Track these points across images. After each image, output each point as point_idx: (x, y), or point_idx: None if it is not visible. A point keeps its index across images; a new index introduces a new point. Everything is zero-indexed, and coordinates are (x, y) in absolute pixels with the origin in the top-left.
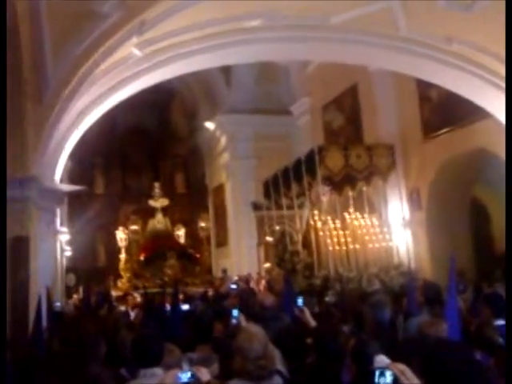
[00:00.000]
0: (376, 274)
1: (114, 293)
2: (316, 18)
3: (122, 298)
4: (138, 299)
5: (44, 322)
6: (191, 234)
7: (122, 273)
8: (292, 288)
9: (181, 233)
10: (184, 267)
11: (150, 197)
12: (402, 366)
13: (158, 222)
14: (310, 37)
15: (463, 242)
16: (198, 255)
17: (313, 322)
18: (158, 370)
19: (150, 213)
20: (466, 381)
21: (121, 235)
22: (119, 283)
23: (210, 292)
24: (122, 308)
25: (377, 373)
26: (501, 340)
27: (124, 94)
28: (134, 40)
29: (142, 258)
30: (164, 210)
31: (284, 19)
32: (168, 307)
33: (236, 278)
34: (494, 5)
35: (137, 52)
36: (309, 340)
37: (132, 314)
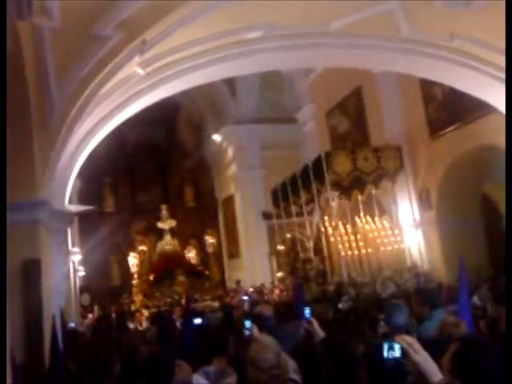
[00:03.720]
0: (390, 278)
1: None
2: (315, 25)
3: (132, 315)
4: (146, 314)
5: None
6: (201, 248)
7: (135, 297)
8: (302, 297)
9: (191, 254)
10: (193, 284)
11: (158, 218)
12: (409, 339)
13: (167, 243)
14: (311, 44)
15: (476, 239)
16: (206, 271)
17: (321, 334)
18: None
19: (159, 233)
20: (498, 377)
21: (133, 261)
22: (133, 307)
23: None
24: (131, 325)
25: (385, 346)
26: None
27: (129, 113)
28: (137, 59)
29: (151, 278)
30: (172, 228)
31: (284, 29)
32: (177, 320)
33: (251, 289)
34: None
35: (140, 71)
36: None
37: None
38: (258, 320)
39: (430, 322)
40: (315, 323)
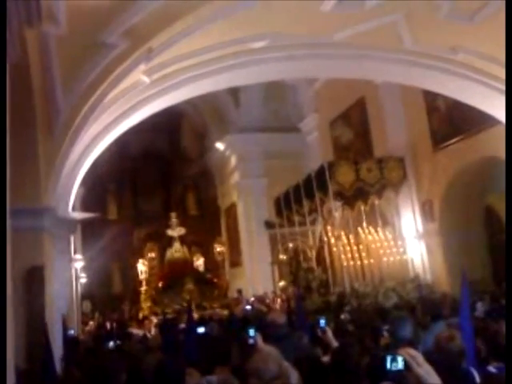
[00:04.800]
0: (392, 288)
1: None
2: (319, 36)
3: (141, 322)
4: (155, 321)
5: (60, 350)
6: (206, 255)
7: (143, 304)
8: (302, 306)
9: (200, 262)
10: (202, 292)
11: (167, 225)
12: (413, 352)
13: (176, 250)
14: (315, 54)
15: (478, 251)
16: (215, 279)
17: (335, 343)
18: None
19: (167, 239)
20: None
21: (141, 268)
22: (140, 314)
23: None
24: (140, 332)
25: (388, 359)
26: None
27: (134, 120)
28: (142, 67)
29: (160, 285)
30: (180, 236)
31: (288, 39)
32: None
33: (253, 298)
34: (497, 13)
35: (145, 79)
36: (326, 358)
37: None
38: (271, 327)
39: (430, 334)
40: (329, 332)
